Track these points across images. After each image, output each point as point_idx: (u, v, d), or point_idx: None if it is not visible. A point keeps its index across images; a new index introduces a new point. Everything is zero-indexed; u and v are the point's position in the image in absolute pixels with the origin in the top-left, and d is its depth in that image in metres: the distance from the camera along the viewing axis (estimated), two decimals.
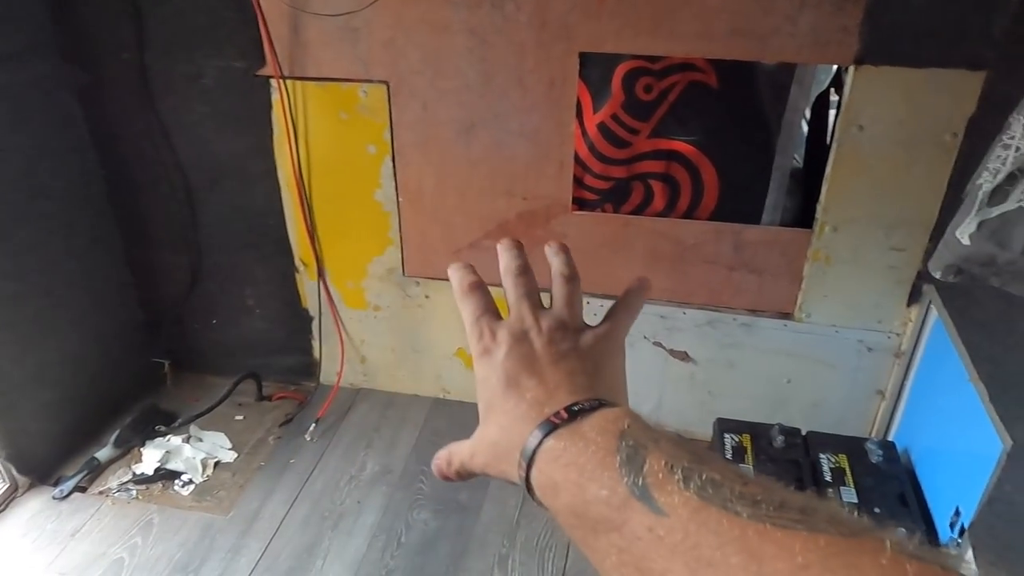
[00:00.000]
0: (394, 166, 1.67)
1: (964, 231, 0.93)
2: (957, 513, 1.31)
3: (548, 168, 1.60)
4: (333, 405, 1.93)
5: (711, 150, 1.56)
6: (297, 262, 1.85)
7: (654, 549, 0.33)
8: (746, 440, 1.57)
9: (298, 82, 1.61)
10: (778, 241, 1.58)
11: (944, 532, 1.35)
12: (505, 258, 0.52)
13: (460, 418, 1.92)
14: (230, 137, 1.71)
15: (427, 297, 1.83)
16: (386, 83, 1.57)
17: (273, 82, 1.61)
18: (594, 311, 1.79)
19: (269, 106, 1.65)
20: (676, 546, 0.32)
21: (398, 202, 1.71)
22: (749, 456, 1.53)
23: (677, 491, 0.34)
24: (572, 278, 0.51)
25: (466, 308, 0.49)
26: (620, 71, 1.53)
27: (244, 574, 1.52)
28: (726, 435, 1.58)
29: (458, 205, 1.68)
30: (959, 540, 1.27)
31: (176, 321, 2.00)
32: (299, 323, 1.94)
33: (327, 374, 2.01)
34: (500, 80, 1.52)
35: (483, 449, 0.46)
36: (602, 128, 1.57)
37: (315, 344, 1.97)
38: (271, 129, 1.68)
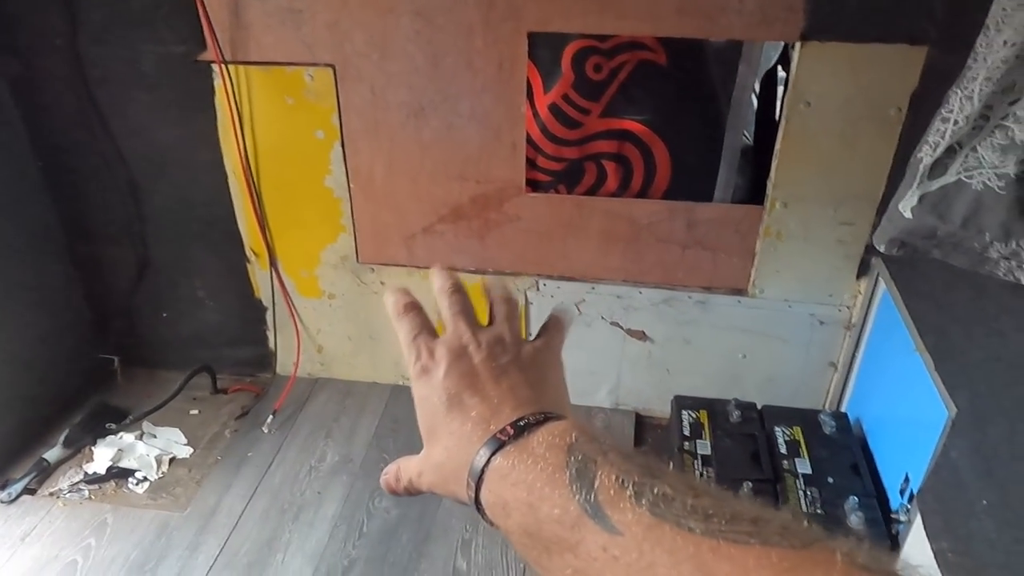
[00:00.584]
0: (344, 151, 1.64)
1: (906, 205, 0.94)
2: (907, 480, 1.34)
3: (500, 150, 1.58)
4: (290, 396, 1.91)
5: (662, 129, 1.56)
6: (248, 252, 1.81)
7: (610, 569, 0.32)
8: (703, 416, 1.59)
9: (241, 67, 1.56)
10: (730, 218, 1.59)
11: (895, 499, 1.39)
12: (438, 278, 0.51)
13: None
14: (172, 125, 1.66)
15: (382, 283, 1.81)
16: (332, 67, 1.54)
17: (215, 67, 1.56)
18: (551, 292, 1.79)
19: (212, 92, 1.60)
20: (631, 566, 0.32)
21: (349, 188, 1.68)
22: (707, 432, 1.55)
23: (630, 507, 0.33)
24: (509, 299, 0.51)
25: (402, 329, 0.49)
26: (569, 51, 1.51)
27: (202, 571, 1.49)
28: (684, 412, 1.60)
29: (410, 190, 1.66)
30: (908, 506, 1.30)
31: (124, 316, 1.95)
32: (252, 314, 1.91)
33: (283, 365, 1.98)
34: (448, 62, 1.50)
35: (429, 470, 0.44)
36: (553, 109, 1.56)
37: (270, 335, 1.94)
38: (215, 116, 1.63)
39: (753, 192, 1.61)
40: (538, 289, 1.75)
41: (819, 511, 1.37)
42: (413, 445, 1.77)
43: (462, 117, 1.55)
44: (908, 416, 1.39)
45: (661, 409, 1.85)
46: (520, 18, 1.43)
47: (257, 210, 1.73)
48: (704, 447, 1.52)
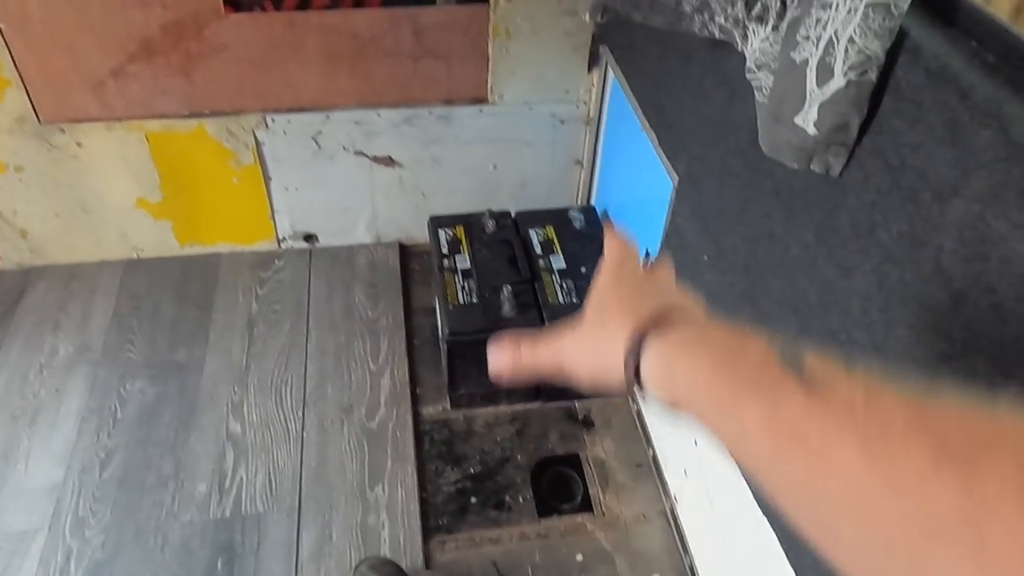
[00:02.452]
0: None
1: None
2: (647, 256, 1.43)
3: None
4: None
5: None
6: None
7: (817, 417, 0.30)
8: (460, 232, 1.57)
9: None
10: (457, 21, 1.50)
11: None
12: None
13: (161, 274, 1.72)
14: None
15: (79, 145, 1.54)
16: None
17: None
18: (282, 128, 1.64)
19: None
20: (841, 416, 0.29)
21: (0, 32, 1.37)
22: (465, 246, 1.54)
23: (842, 375, 0.31)
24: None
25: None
26: None
27: None
28: (440, 231, 1.57)
29: (82, 24, 1.38)
30: None
31: None
32: None
33: None
34: None
35: (582, 349, 0.45)
36: None
37: None
38: None
39: None
40: (267, 126, 1.58)
41: (575, 300, 1.43)
42: (160, 320, 1.59)
43: None
44: (644, 196, 1.45)
45: (423, 235, 1.81)
46: None
47: None
48: (463, 261, 1.51)
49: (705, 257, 1.11)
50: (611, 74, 1.53)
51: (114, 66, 1.44)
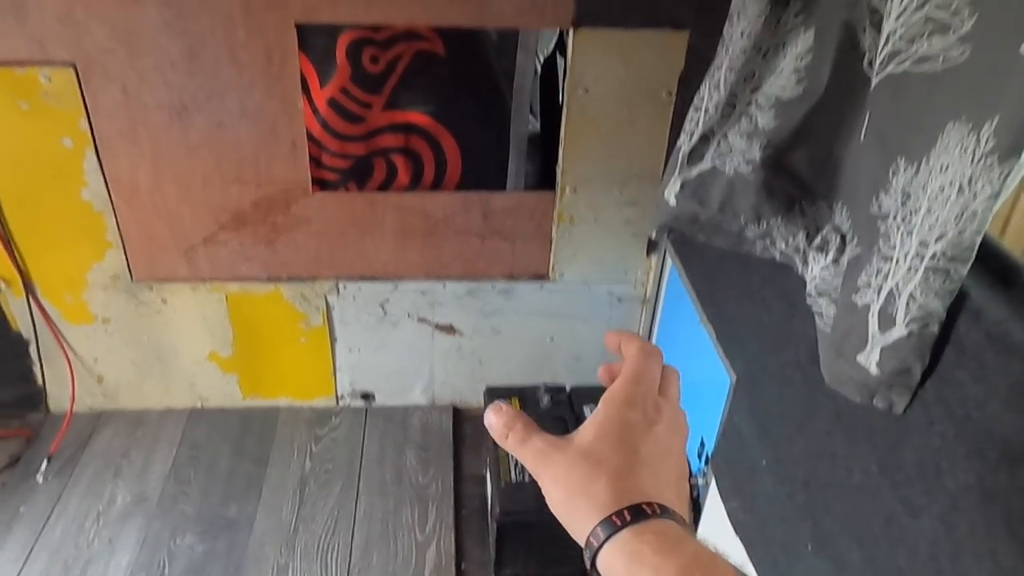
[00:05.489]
0: (99, 160, 1.46)
1: (670, 192, 0.97)
2: (702, 445, 1.42)
3: (279, 149, 1.48)
4: (69, 436, 1.70)
5: (448, 120, 1.53)
6: None
7: None
8: (515, 405, 1.59)
9: None
10: (524, 206, 1.60)
11: (695, 464, 1.47)
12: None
13: (222, 426, 1.77)
14: None
15: (164, 302, 1.64)
16: (72, 65, 1.36)
17: None
18: (352, 295, 1.72)
19: None
20: None
21: (111, 200, 1.51)
22: None
23: None
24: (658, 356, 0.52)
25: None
26: (343, 42, 1.44)
27: None
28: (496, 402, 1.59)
29: (183, 197, 1.52)
30: (705, 470, 1.38)
31: None
32: (12, 348, 1.67)
33: (57, 401, 1.76)
34: (209, 56, 1.37)
35: (560, 472, 0.44)
36: (333, 104, 1.48)
37: (36, 370, 1.71)
38: None
39: (544, 178, 1.62)
40: (339, 292, 1.67)
41: None
42: (216, 472, 1.63)
43: (232, 116, 1.43)
44: (699, 383, 1.47)
45: (477, 400, 1.84)
46: (285, 6, 1.33)
47: (1, 231, 1.51)
48: None
49: (764, 462, 1.11)
50: (669, 261, 1.59)
51: (206, 234, 1.57)
